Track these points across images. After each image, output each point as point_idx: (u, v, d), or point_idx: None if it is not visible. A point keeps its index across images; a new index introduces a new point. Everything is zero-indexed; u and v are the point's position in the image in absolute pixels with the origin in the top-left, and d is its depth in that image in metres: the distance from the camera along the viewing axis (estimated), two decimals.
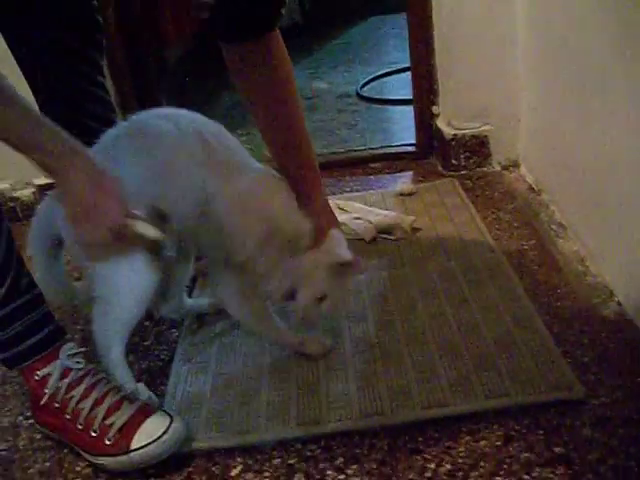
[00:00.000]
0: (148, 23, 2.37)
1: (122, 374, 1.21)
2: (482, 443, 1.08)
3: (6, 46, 1.38)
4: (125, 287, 1.19)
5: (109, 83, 2.01)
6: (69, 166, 1.06)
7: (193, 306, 1.46)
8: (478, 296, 1.40)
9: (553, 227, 1.63)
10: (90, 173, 1.07)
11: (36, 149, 1.04)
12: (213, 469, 1.11)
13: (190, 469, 1.11)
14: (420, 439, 1.11)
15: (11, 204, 2.05)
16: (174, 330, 1.44)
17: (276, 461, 1.11)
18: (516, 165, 1.95)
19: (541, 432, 1.09)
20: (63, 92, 1.43)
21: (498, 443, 1.08)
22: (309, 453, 1.11)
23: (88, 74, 1.48)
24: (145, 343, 1.42)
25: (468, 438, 1.10)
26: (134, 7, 2.18)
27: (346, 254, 1.21)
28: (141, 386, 1.21)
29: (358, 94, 2.74)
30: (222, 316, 1.45)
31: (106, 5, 2.01)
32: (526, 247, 1.58)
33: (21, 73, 1.41)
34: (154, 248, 1.14)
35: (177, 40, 2.81)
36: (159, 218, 1.15)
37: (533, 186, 1.83)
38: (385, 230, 1.66)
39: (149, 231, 1.11)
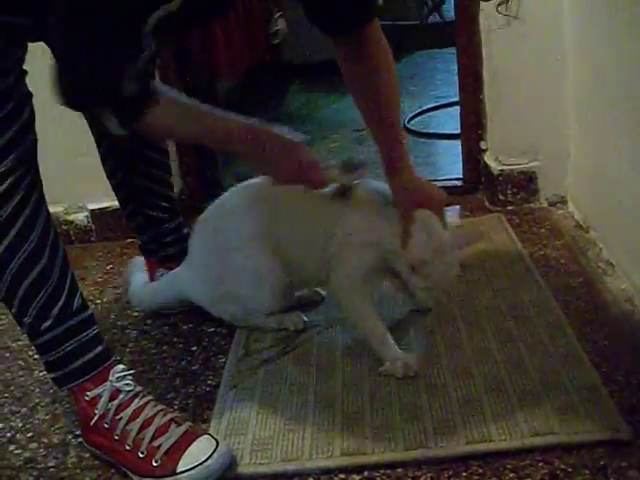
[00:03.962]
0: (202, 56, 2.43)
1: (275, 322, 1.51)
2: None
3: None
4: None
5: None
6: (260, 147, 1.23)
7: None
8: (524, 332, 1.40)
9: (601, 265, 1.62)
10: (277, 146, 1.25)
11: (227, 145, 1.28)
12: None
13: None
14: (464, 474, 1.10)
15: (64, 227, 2.10)
16: (221, 356, 1.46)
17: None
18: (564, 202, 1.95)
19: (587, 472, 1.07)
20: None
21: None
22: None
23: None
24: (192, 368, 1.45)
25: (512, 475, 1.09)
26: (190, 40, 2.25)
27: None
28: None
29: (405, 127, 2.76)
30: (269, 344, 1.47)
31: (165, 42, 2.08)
32: (573, 284, 1.57)
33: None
34: (345, 191, 1.37)
35: (228, 73, 2.87)
36: (349, 168, 1.36)
37: (581, 223, 1.82)
38: None
39: (344, 180, 1.35)
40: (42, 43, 1.20)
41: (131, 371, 1.24)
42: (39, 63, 1.19)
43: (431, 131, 2.70)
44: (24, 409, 1.40)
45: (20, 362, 1.56)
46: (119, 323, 1.65)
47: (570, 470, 1.08)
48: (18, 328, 1.23)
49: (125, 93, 1.06)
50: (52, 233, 1.17)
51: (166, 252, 1.62)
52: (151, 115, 1.13)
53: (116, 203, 1.74)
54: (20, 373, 1.52)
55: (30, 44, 1.18)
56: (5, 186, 1.10)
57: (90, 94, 1.08)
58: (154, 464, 1.12)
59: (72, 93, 1.07)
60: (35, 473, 1.23)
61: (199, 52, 2.38)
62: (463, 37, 1.98)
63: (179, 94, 1.24)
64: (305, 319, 1.51)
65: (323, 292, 1.61)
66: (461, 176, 2.11)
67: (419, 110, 2.91)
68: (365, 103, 1.39)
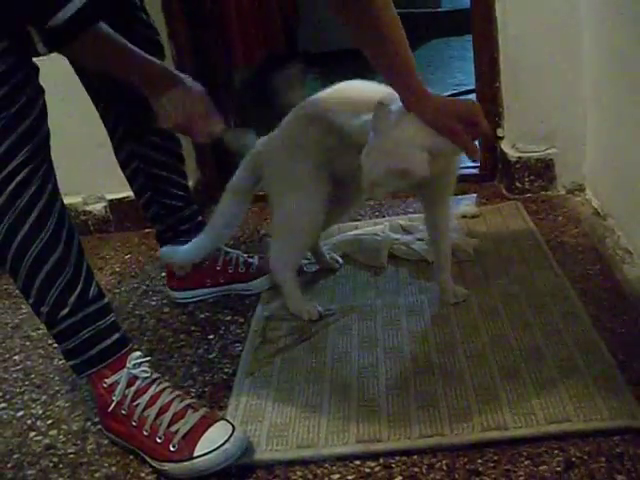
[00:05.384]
0: (219, 46, 2.44)
1: (295, 297, 1.53)
2: (542, 468, 1.07)
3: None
4: (298, 216, 1.50)
5: None
6: (163, 91, 1.33)
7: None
8: (541, 320, 1.39)
9: (619, 252, 1.60)
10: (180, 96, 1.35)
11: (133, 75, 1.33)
12: None
13: None
14: (479, 461, 1.10)
15: (83, 218, 2.12)
16: (238, 344, 1.47)
17: (335, 476, 1.12)
18: (581, 189, 1.93)
19: (603, 459, 1.07)
20: (119, 104, 1.50)
21: (558, 469, 1.07)
22: (368, 470, 1.12)
23: None
24: (209, 356, 1.46)
25: (528, 462, 1.09)
26: (207, 32, 2.26)
27: None
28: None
29: None
30: (285, 332, 1.48)
31: (180, 30, 2.09)
32: (591, 272, 1.56)
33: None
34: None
35: (245, 62, 2.88)
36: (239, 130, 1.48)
37: (599, 210, 1.80)
38: None
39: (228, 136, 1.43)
40: None
41: (148, 358, 1.26)
42: (56, 60, 1.21)
43: None
44: (44, 397, 1.42)
45: (40, 351, 1.58)
46: (137, 312, 1.67)
47: (586, 458, 1.08)
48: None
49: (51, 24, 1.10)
50: (67, 222, 1.19)
51: (182, 240, 1.63)
52: (78, 45, 1.17)
53: None
54: (40, 361, 1.54)
55: None
56: (20, 177, 1.11)
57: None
58: (171, 449, 1.13)
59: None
60: (55, 459, 1.25)
61: (215, 41, 2.39)
62: (479, 24, 1.96)
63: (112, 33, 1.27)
64: (320, 309, 1.51)
65: (341, 260, 1.71)
66: (478, 164, 2.09)
67: None
68: (371, 46, 1.34)
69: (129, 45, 1.29)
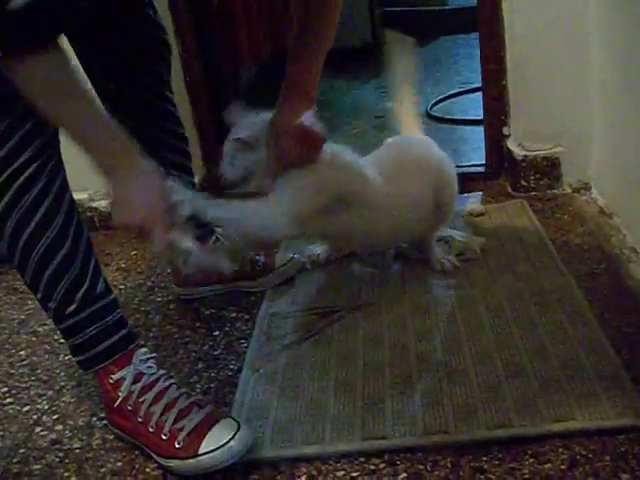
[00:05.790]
0: (225, 43, 2.44)
1: None
2: (547, 466, 1.07)
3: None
4: None
5: (187, 99, 2.09)
6: (118, 167, 1.10)
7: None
8: (546, 319, 1.39)
9: (624, 252, 1.61)
10: (134, 177, 1.12)
11: (91, 147, 1.09)
12: (278, 477, 1.13)
13: (256, 476, 1.14)
14: (484, 459, 1.11)
15: (89, 214, 2.12)
16: (243, 341, 1.48)
17: (340, 473, 1.12)
18: (587, 188, 1.93)
19: (608, 458, 1.07)
20: (126, 102, 1.49)
21: (563, 467, 1.07)
22: (372, 467, 1.13)
23: (154, 88, 1.53)
24: (215, 353, 1.46)
25: (532, 460, 1.09)
26: (213, 28, 2.26)
27: None
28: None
29: (428, 113, 2.74)
30: (290, 329, 1.48)
31: (187, 28, 2.10)
32: (596, 271, 1.56)
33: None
34: (185, 257, 1.12)
35: (251, 59, 2.88)
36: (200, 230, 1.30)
37: (604, 209, 1.80)
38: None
39: (181, 241, 1.11)
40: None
41: (154, 354, 1.26)
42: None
43: (454, 117, 2.69)
44: (50, 392, 1.43)
45: (46, 346, 1.59)
46: (142, 308, 1.67)
47: (590, 456, 1.08)
48: (44, 313, 1.25)
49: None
50: (75, 218, 1.19)
51: None
52: (24, 64, 0.98)
53: None
54: (46, 357, 1.55)
55: None
56: (28, 173, 1.12)
57: None
58: (177, 446, 1.14)
59: None
60: (61, 454, 1.26)
61: (221, 38, 2.39)
62: (485, 22, 1.96)
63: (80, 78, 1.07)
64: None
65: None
66: (484, 162, 2.10)
67: (442, 96, 2.89)
68: (298, 24, 1.37)
69: (98, 104, 1.07)
